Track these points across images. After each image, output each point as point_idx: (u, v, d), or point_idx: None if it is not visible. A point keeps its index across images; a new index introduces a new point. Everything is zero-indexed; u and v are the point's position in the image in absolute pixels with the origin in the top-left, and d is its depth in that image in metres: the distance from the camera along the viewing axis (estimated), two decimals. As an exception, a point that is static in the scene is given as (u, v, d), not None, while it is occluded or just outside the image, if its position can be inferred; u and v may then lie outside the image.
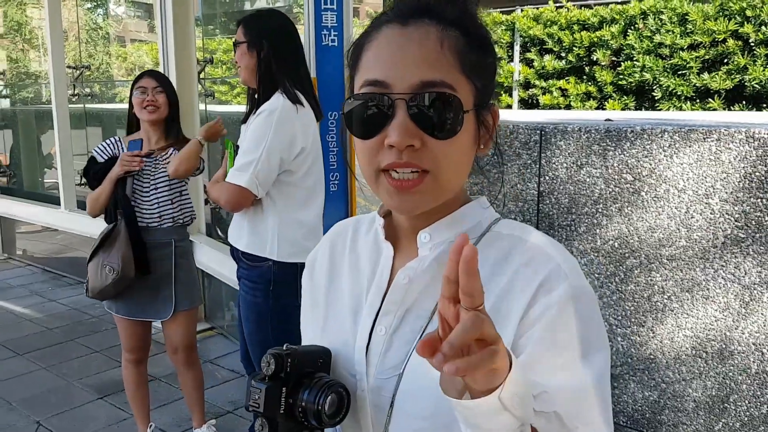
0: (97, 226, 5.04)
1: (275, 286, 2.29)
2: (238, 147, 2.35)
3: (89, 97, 6.10)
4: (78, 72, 5.79)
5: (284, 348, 0.82)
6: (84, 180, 2.85)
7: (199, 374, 2.95)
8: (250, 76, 2.30)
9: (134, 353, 2.87)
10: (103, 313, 4.84)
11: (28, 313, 4.93)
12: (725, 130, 2.28)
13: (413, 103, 0.72)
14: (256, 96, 2.32)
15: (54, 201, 6.05)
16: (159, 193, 2.73)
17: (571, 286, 0.74)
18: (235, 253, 2.40)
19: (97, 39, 13.52)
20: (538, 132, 2.71)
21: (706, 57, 6.03)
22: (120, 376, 3.77)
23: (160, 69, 4.14)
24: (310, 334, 0.96)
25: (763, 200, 2.22)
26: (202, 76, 4.19)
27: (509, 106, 7.39)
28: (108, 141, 2.81)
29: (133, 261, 2.62)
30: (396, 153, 0.73)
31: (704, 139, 2.32)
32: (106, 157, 2.76)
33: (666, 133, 2.41)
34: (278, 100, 2.20)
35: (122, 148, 2.77)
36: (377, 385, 0.82)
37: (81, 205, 5.68)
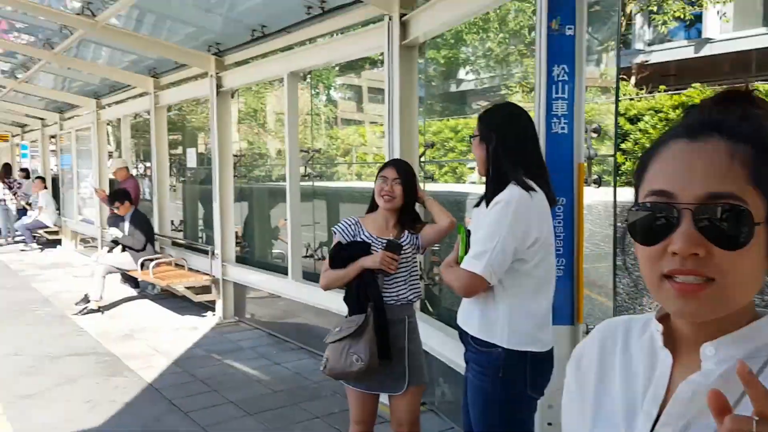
0: (323, 297, 5.41)
1: (504, 374, 2.29)
2: (469, 231, 2.42)
3: (318, 177, 6.68)
4: (310, 154, 6.40)
5: None
6: (323, 256, 3.11)
7: None
8: (482, 167, 2.40)
9: (363, 425, 3.00)
10: (323, 380, 5.11)
11: (256, 374, 5.36)
12: None
13: (700, 213, 0.74)
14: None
15: (280, 270, 6.62)
16: (397, 275, 2.91)
17: None
18: (464, 337, 2.45)
19: (320, 123, 14.89)
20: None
21: None
22: (338, 444, 3.96)
23: (386, 153, 4.44)
24: (573, 428, 0.96)
25: None
26: (422, 159, 4.42)
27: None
28: (348, 222, 3.02)
29: (377, 352, 2.78)
30: (680, 260, 0.75)
31: None
32: (347, 238, 2.98)
33: None
34: (513, 190, 2.25)
35: (362, 230, 2.98)
36: None
37: (306, 276, 6.15)
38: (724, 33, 18.63)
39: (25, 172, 15.49)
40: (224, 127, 7.12)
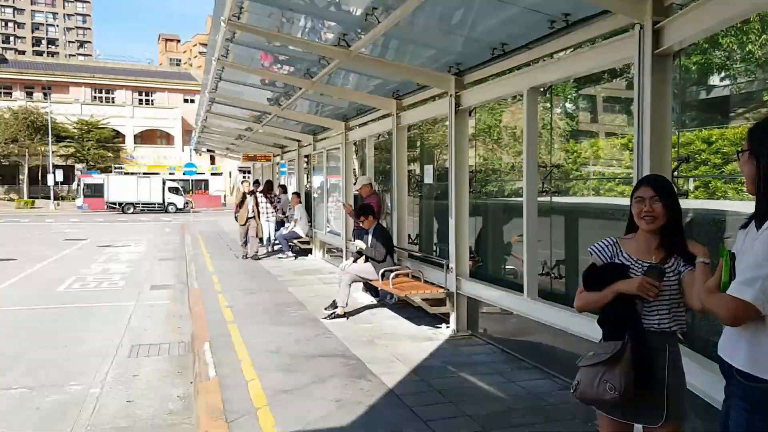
0: (560, 317, 5.27)
1: None
2: (733, 255, 2.22)
3: (556, 193, 6.54)
4: (548, 170, 6.28)
5: None
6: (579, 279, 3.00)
7: None
8: (751, 185, 2.19)
9: None
10: (560, 402, 4.99)
11: (492, 390, 5.38)
12: None
13: None
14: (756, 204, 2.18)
15: (513, 286, 6.58)
16: (660, 301, 2.73)
17: None
18: (727, 369, 2.23)
19: (556, 137, 14.56)
20: None
21: None
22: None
23: (635, 167, 4.21)
24: None
25: None
26: (676, 174, 4.11)
27: None
28: (605, 242, 2.89)
29: (633, 385, 2.65)
30: None
31: None
32: (604, 259, 2.85)
33: None
34: None
35: (621, 251, 2.84)
36: None
37: (541, 294, 6.04)
38: None
39: (283, 188, 17.32)
40: (461, 144, 7.30)
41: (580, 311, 2.94)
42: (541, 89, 6.00)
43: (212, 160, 51.72)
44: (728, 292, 2.13)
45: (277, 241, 14.94)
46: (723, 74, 13.33)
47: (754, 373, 2.12)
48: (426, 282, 8.15)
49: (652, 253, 2.76)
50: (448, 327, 7.52)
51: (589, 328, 4.81)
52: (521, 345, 6.48)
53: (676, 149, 4.67)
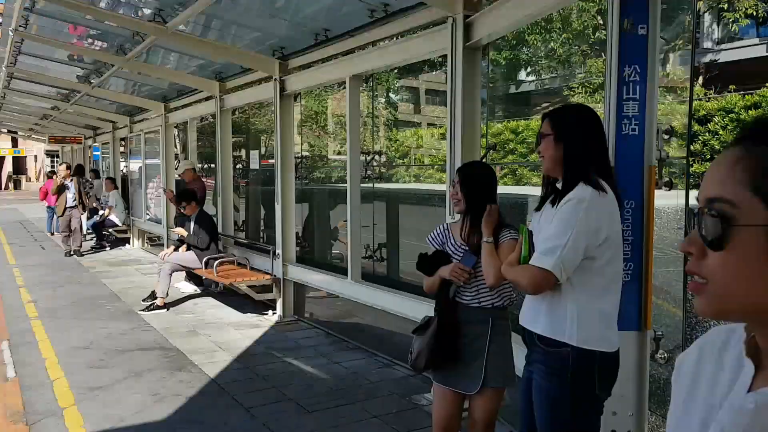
0: (381, 298, 5.44)
1: (573, 374, 2.26)
2: (531, 232, 2.42)
3: (378, 179, 6.72)
4: (370, 156, 6.45)
5: None
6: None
7: None
8: (554, 166, 2.37)
9: (438, 424, 3.03)
10: (381, 380, 5.16)
11: (316, 372, 5.43)
12: None
13: (700, 216, 0.80)
14: (556, 185, 2.38)
15: (339, 270, 6.69)
16: (479, 280, 2.91)
17: None
18: (529, 337, 2.42)
19: (379, 125, 14.97)
20: None
21: None
22: (397, 444, 3.98)
23: (447, 155, 4.43)
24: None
25: None
26: (485, 161, 4.38)
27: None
28: (438, 230, 3.12)
29: (425, 359, 2.92)
30: (688, 259, 0.82)
31: None
32: (436, 246, 3.07)
33: None
34: (585, 189, 2.24)
35: (450, 237, 3.05)
36: None
37: (365, 277, 6.21)
38: (799, 31, 17.84)
39: (95, 173, 16.12)
40: (287, 130, 7.25)
41: (429, 293, 3.15)
42: (364, 77, 6.11)
43: (14, 142, 46.92)
44: (530, 263, 2.31)
45: (90, 231, 13.91)
46: (529, 69, 14.49)
47: (553, 337, 2.32)
48: (252, 269, 8.03)
49: (468, 235, 2.95)
50: (274, 313, 7.48)
51: (408, 308, 5.04)
52: (346, 327, 6.61)
53: (486, 138, 4.99)
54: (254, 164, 9.99)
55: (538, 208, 2.48)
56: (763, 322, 0.80)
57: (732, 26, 18.38)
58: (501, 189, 7.26)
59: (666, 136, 2.85)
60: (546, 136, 2.38)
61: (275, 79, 7.09)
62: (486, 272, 2.80)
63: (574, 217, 2.21)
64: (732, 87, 12.46)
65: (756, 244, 0.76)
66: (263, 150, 11.22)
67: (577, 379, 2.27)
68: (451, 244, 3.02)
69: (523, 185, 9.99)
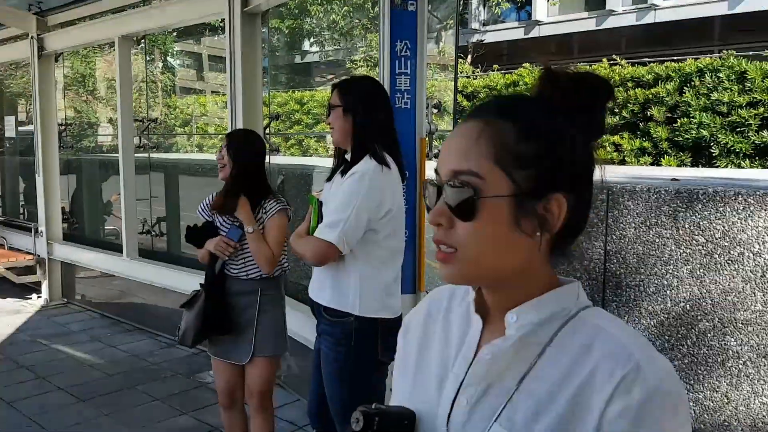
0: (160, 275, 5.18)
1: (356, 342, 2.32)
2: (321, 203, 2.43)
3: (154, 149, 6.34)
4: (145, 124, 6.05)
5: (373, 407, 0.85)
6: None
7: (268, 422, 2.99)
8: (343, 138, 2.38)
9: (222, 396, 3.00)
10: (162, 361, 4.93)
11: (89, 358, 5.04)
12: (803, 193, 2.26)
13: (446, 188, 0.82)
14: (345, 156, 2.40)
15: (113, 247, 6.24)
16: (245, 252, 2.84)
17: (649, 390, 0.75)
18: (317, 309, 2.45)
19: (156, 91, 14.10)
20: (605, 192, 2.72)
21: (766, 114, 5.97)
22: (180, 426, 3.84)
23: (228, 124, 4.30)
24: (399, 394, 0.99)
25: None
26: (267, 131, 4.33)
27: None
28: (208, 200, 2.98)
29: (192, 335, 2.87)
30: (435, 230, 0.83)
31: (781, 202, 2.30)
32: (205, 218, 2.96)
33: (740, 196, 2.39)
34: (369, 163, 2.28)
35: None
36: None
37: (142, 253, 5.86)
38: (551, 16, 19.98)
39: None
40: (47, 93, 6.54)
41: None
42: (135, 38, 5.69)
43: None
44: (315, 234, 2.32)
45: None
46: (312, 40, 14.54)
47: (338, 308, 2.35)
48: (11, 249, 7.21)
49: (223, 199, 2.86)
50: (39, 297, 6.79)
51: (192, 284, 4.83)
52: (123, 308, 6.19)
53: (269, 108, 4.92)
54: (10, 131, 8.88)
55: (329, 179, 2.48)
56: (504, 285, 0.86)
57: (495, 9, 20.06)
58: (287, 160, 7.24)
59: (435, 110, 3.02)
60: (335, 107, 2.37)
61: (32, 37, 6.34)
62: (258, 262, 2.80)
63: (357, 191, 2.25)
64: (496, 66, 13.60)
65: (502, 213, 0.80)
66: (23, 116, 10.01)
67: (360, 348, 2.34)
68: (219, 216, 2.92)
69: (310, 156, 10.07)
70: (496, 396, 0.83)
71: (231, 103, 4.26)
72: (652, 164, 6.73)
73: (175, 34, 14.24)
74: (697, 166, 6.44)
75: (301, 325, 3.85)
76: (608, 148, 7.02)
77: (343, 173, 2.36)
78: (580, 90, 0.84)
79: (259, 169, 2.90)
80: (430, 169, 3.11)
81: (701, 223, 2.48)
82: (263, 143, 3.01)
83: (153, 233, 6.35)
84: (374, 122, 2.35)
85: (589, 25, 18.79)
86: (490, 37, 20.52)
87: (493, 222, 0.80)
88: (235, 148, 2.85)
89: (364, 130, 2.33)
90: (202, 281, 2.95)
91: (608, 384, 0.76)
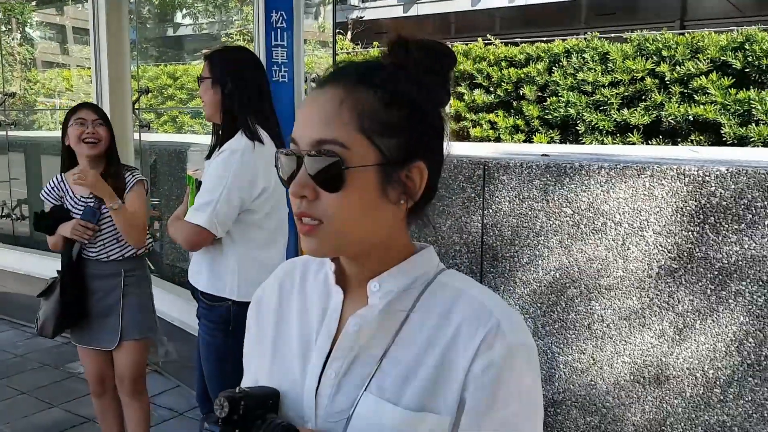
0: (21, 262, 4.83)
1: (235, 326, 2.24)
2: (200, 183, 2.31)
3: (12, 126, 5.85)
4: (1, 99, 5.55)
5: (237, 390, 0.84)
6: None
7: (143, 408, 2.87)
8: (214, 111, 2.26)
9: (92, 385, 2.86)
10: (27, 351, 4.61)
11: (-58, 353, 4.63)
12: (658, 166, 2.43)
13: (308, 158, 0.78)
14: (220, 132, 2.29)
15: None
16: (103, 234, 2.68)
17: (509, 344, 0.80)
18: (194, 292, 2.35)
19: (14, 64, 13.02)
20: (482, 167, 2.80)
21: (626, 94, 6.39)
22: (50, 419, 3.61)
23: (93, 98, 4.04)
24: (254, 371, 0.99)
25: (694, 233, 2.37)
26: (137, 106, 4.10)
27: (440, 138, 7.59)
28: (51, 183, 2.76)
29: (52, 325, 2.71)
30: (297, 202, 0.80)
31: (638, 175, 2.46)
32: (53, 202, 2.72)
33: (602, 169, 2.54)
34: (240, 139, 2.17)
35: (67, 188, 2.72)
36: (326, 428, 0.85)
37: (2, 238, 5.44)
38: (429, -6, 20.31)
39: None
40: None
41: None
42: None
43: None
44: (186, 218, 2.20)
45: None
46: (185, 12, 13.95)
47: (214, 293, 2.26)
48: None
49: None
50: None
51: (53, 269, 4.55)
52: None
53: (138, 82, 4.67)
54: None
55: (208, 157, 2.36)
56: (367, 255, 0.86)
57: (374, -14, 20.11)
58: (161, 137, 6.91)
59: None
60: (204, 79, 2.24)
61: None
62: (128, 238, 2.64)
63: (227, 170, 2.14)
64: (376, 43, 13.67)
65: (369, 182, 0.80)
66: None
67: (239, 332, 2.27)
68: (70, 197, 2.72)
69: (185, 133, 9.69)
70: (363, 365, 0.84)
71: (96, 77, 4.00)
72: (524, 141, 7.04)
73: (34, 3, 13.18)
74: (566, 143, 6.80)
75: (180, 310, 3.72)
76: (484, 126, 7.28)
77: (212, 151, 2.27)
78: (430, 57, 0.85)
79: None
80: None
81: (569, 195, 2.62)
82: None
83: (14, 216, 5.89)
84: (244, 93, 2.23)
85: (465, 5, 19.28)
86: (369, 14, 20.57)
87: (359, 192, 0.79)
88: (107, 120, 2.70)
89: (233, 102, 2.21)
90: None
91: (471, 343, 0.80)
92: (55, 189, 2.74)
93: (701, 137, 6.07)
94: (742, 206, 2.28)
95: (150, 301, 2.87)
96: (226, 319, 2.26)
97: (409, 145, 0.82)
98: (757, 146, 5.57)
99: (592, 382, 2.65)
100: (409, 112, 0.82)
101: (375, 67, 0.84)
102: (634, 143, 6.20)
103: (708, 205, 2.34)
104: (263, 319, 0.99)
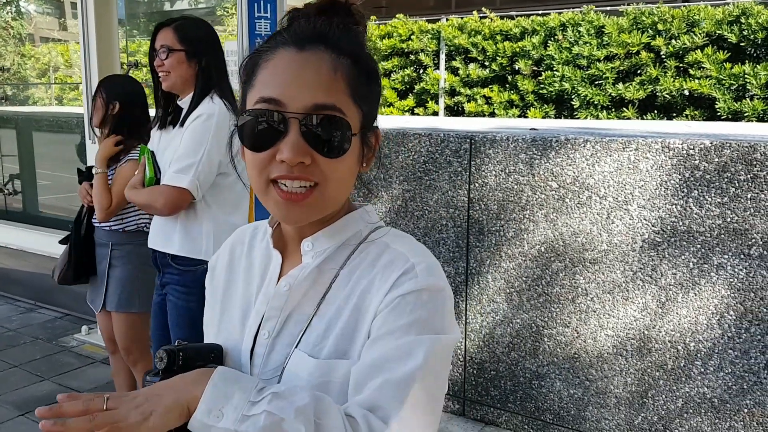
0: (16, 237, 4.84)
1: None
2: (153, 152, 2.34)
3: (5, 101, 5.81)
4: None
5: (176, 344, 0.87)
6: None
7: (139, 378, 2.91)
8: (183, 84, 2.26)
9: (105, 341, 3.00)
10: (21, 326, 4.64)
11: (-64, 328, 4.66)
12: (642, 140, 2.42)
13: (306, 122, 0.78)
14: (178, 102, 2.30)
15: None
16: None
17: (419, 282, 0.81)
18: (161, 259, 2.35)
19: (8, 38, 12.90)
20: (468, 141, 2.80)
21: (621, 68, 6.34)
22: (41, 392, 3.64)
23: (82, 73, 4.01)
24: (209, 333, 1.02)
25: (678, 207, 2.37)
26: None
27: (435, 113, 7.54)
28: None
29: (59, 272, 2.90)
30: (287, 167, 0.78)
31: (623, 148, 2.46)
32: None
33: (588, 143, 2.53)
34: (213, 104, 2.20)
35: None
36: None
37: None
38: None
39: None
40: None
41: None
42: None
43: None
44: (165, 182, 2.21)
45: None
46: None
47: (189, 256, 2.27)
48: None
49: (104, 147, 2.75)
50: None
51: (50, 244, 4.55)
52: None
53: (127, 56, 4.64)
54: None
55: (160, 127, 2.37)
56: (326, 218, 0.87)
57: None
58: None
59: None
60: (175, 51, 2.23)
61: None
62: (95, 206, 2.68)
63: (206, 133, 2.17)
64: (373, 18, 13.53)
65: (356, 147, 0.83)
66: None
67: None
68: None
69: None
70: (295, 324, 0.87)
71: (84, 52, 3.97)
72: (519, 116, 7.00)
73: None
74: (561, 118, 6.77)
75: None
76: (479, 101, 7.23)
77: (182, 120, 2.25)
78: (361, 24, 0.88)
79: (145, 115, 2.84)
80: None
81: (554, 169, 2.61)
82: (140, 85, 2.92)
83: (6, 192, 5.89)
84: (218, 67, 2.30)
85: (464, -22, 19.07)
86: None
87: (351, 156, 0.82)
88: (112, 96, 2.77)
89: (210, 75, 2.25)
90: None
91: (384, 286, 0.82)
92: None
93: (696, 112, 6.04)
94: (726, 179, 2.28)
95: (138, 281, 2.85)
96: (201, 283, 2.25)
97: (373, 112, 0.87)
98: (752, 121, 5.54)
99: (576, 355, 2.67)
100: (378, 80, 0.88)
101: (354, 36, 0.85)
102: (629, 118, 6.17)
103: (692, 179, 2.34)
104: (215, 284, 1.03)
